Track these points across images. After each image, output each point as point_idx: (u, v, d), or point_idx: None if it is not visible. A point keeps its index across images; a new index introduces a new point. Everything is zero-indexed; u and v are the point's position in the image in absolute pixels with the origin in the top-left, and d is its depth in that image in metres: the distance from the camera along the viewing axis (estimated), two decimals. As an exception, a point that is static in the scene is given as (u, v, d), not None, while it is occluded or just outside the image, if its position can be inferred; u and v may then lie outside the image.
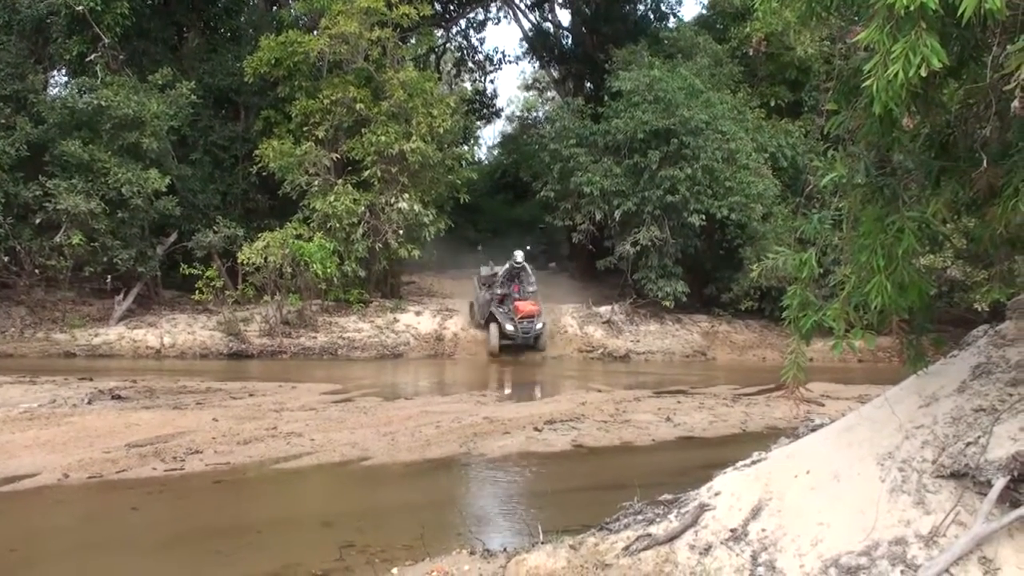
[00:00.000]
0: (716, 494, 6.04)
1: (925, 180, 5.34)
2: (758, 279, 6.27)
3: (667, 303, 23.97)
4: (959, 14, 4.06)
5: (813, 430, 6.93)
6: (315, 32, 24.44)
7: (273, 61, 23.88)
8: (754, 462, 6.44)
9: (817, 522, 5.26)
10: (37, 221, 21.83)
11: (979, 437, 5.18)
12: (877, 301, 5.13)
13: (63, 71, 26.11)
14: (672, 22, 34.46)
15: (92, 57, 23.47)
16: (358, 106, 23.53)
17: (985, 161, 4.66)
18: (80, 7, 22.56)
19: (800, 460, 5.99)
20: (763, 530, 5.46)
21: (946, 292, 21.60)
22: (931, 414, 5.59)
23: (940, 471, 5.16)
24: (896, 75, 4.19)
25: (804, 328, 5.67)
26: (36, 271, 22.31)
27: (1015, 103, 4.09)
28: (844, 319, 5.48)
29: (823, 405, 13.88)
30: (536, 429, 12.42)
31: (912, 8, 4.06)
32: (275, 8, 29.09)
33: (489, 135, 55.69)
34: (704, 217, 23.76)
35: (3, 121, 22.39)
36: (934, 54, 4.12)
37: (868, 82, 4.37)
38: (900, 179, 5.36)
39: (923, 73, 4.16)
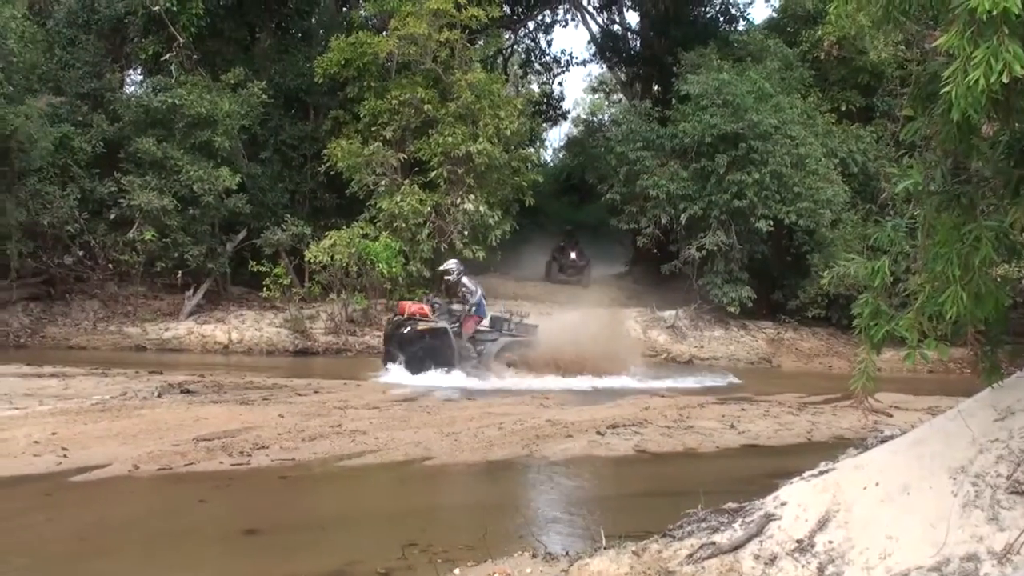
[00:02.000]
0: (782, 504, 5.96)
1: (1004, 188, 5.23)
2: (828, 287, 6.20)
3: (732, 309, 23.78)
4: (1043, 19, 3.98)
5: (882, 441, 6.81)
6: (384, 33, 24.63)
7: (343, 62, 24.14)
8: (821, 472, 6.35)
9: (886, 535, 5.17)
10: (111, 217, 22.35)
11: (1056, 453, 5.06)
12: (952, 312, 5.04)
13: (139, 70, 26.73)
14: (742, 25, 34.20)
15: (167, 57, 23.96)
16: (426, 107, 23.69)
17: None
18: (156, 7, 23.05)
19: (869, 471, 5.89)
20: (830, 542, 5.38)
21: (1021, 303, 21.11)
22: (1006, 428, 5.48)
23: (1015, 487, 5.06)
24: (976, 81, 4.11)
25: (876, 338, 5.58)
26: (110, 266, 22.85)
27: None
28: (917, 329, 5.38)
29: (891, 416, 13.60)
30: (599, 433, 12.37)
31: (994, 13, 3.98)
32: (345, 9, 29.41)
33: (555, 137, 55.59)
34: (771, 223, 23.52)
35: (81, 119, 23.00)
36: (1016, 60, 4.04)
37: (947, 88, 4.29)
38: (978, 187, 5.26)
39: (1005, 79, 4.08)
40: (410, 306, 18.68)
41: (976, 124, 4.69)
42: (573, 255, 30.40)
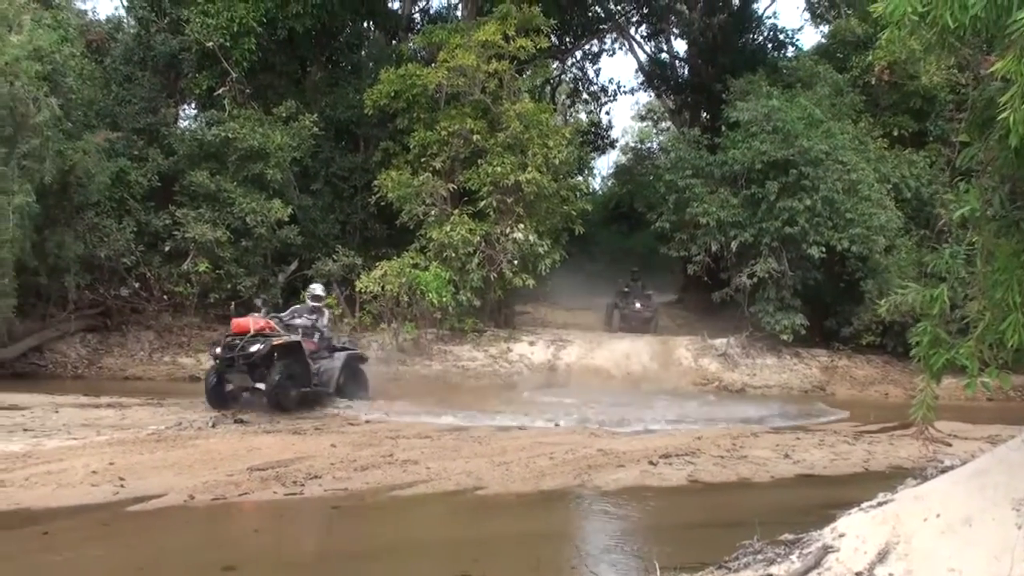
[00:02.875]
0: (840, 535, 5.87)
1: (1065, 214, 5.16)
2: (886, 315, 6.16)
3: (785, 336, 23.51)
4: (1103, 43, 3.92)
5: (942, 471, 6.70)
6: (433, 65, 24.79)
7: (392, 94, 24.36)
8: (880, 503, 6.25)
9: (948, 568, 5.07)
10: (166, 249, 22.73)
11: (1123, 484, 4.94)
12: (1014, 339, 4.96)
13: (193, 105, 27.19)
14: (791, 51, 34.03)
15: (220, 91, 24.39)
16: (475, 137, 23.83)
17: None
18: (210, 44, 23.51)
19: (929, 502, 5.79)
20: (890, 574, 5.29)
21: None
22: (1071, 458, 5.37)
23: (1081, 518, 4.95)
24: (1035, 106, 4.07)
25: (935, 367, 5.50)
26: (164, 297, 23.20)
27: None
28: (978, 357, 5.30)
29: (950, 445, 13.36)
30: (651, 463, 12.28)
31: (1053, 37, 3.94)
32: (395, 42, 29.75)
33: (603, 165, 55.71)
34: (824, 249, 23.25)
35: (136, 153, 23.46)
36: (1076, 84, 3.99)
37: (1004, 114, 4.24)
38: (1039, 213, 5.19)
39: (1065, 104, 4.02)
40: (252, 322, 15.61)
41: (1035, 149, 4.62)
42: (638, 304, 27.89)
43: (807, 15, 35.68)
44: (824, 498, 10.02)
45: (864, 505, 6.31)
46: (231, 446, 12.58)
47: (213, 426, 14.34)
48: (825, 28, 33.19)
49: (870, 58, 25.63)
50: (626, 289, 28.39)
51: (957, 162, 5.57)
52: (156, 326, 23.35)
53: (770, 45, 35.30)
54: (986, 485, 5.56)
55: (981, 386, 5.37)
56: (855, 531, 5.84)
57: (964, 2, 4.30)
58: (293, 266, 24.36)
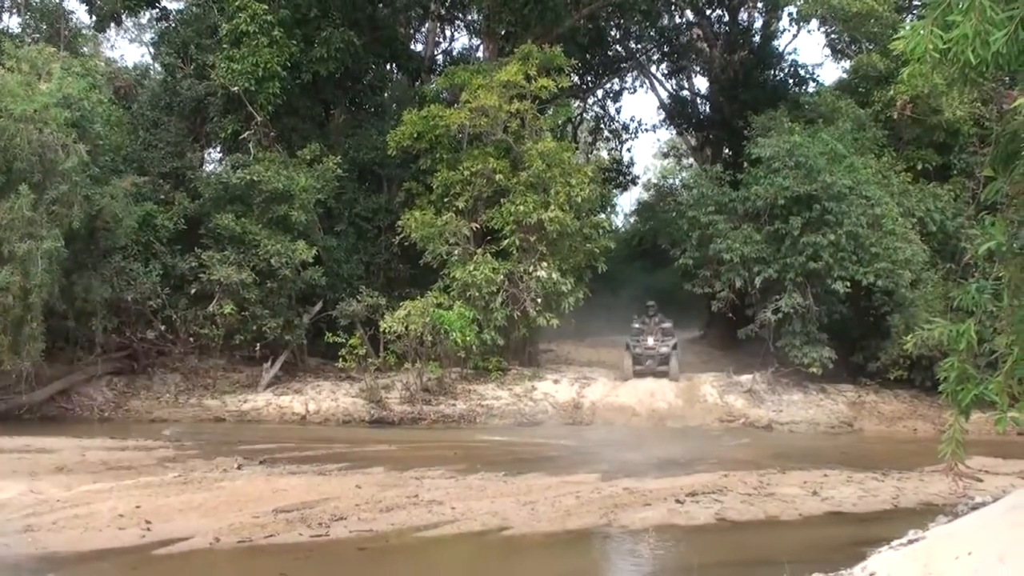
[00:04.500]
0: (871, 574, 5.81)
1: (1091, 247, 5.12)
2: (912, 350, 6.11)
3: (814, 369, 23.27)
4: None
5: (973, 508, 6.64)
6: (456, 106, 24.99)
7: (415, 135, 24.56)
8: (911, 541, 6.19)
9: (982, 607, 5.00)
10: (192, 291, 22.87)
11: None
12: (1042, 374, 4.91)
13: (218, 148, 27.54)
14: (812, 87, 33.97)
15: (245, 135, 24.66)
16: (497, 177, 23.93)
17: None
18: (235, 88, 23.79)
19: (961, 540, 5.73)
20: (923, 614, 5.22)
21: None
22: (1105, 494, 5.28)
23: (1117, 556, 4.87)
24: (1059, 140, 4.05)
25: (963, 402, 5.46)
26: (190, 339, 23.35)
27: None
28: (1008, 393, 5.26)
29: (981, 481, 13.21)
30: (678, 501, 12.20)
31: (1074, 72, 3.93)
32: (417, 84, 30.03)
33: (626, 203, 55.76)
34: (849, 284, 23.09)
35: (163, 197, 23.74)
36: (1099, 118, 3.97)
37: (1027, 148, 4.23)
38: (1064, 246, 5.16)
39: (1088, 137, 4.01)
40: None
41: (1059, 183, 4.61)
42: (651, 340, 25.24)
43: (828, 51, 35.54)
44: (854, 535, 9.92)
45: (895, 543, 6.26)
46: (257, 488, 12.61)
47: (239, 468, 14.39)
48: (846, 63, 33.15)
49: (892, 93, 25.58)
50: (639, 325, 25.94)
51: (982, 196, 5.57)
52: (182, 368, 23.49)
53: (791, 81, 35.28)
54: (1018, 522, 5.50)
55: (1011, 421, 5.31)
56: (886, 569, 5.78)
57: (986, 39, 4.30)
58: (318, 307, 24.44)
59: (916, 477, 14.61)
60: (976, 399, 5.39)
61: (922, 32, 4.64)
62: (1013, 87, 4.79)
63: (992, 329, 5.68)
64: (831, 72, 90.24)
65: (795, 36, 38.14)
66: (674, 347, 25.34)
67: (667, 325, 25.76)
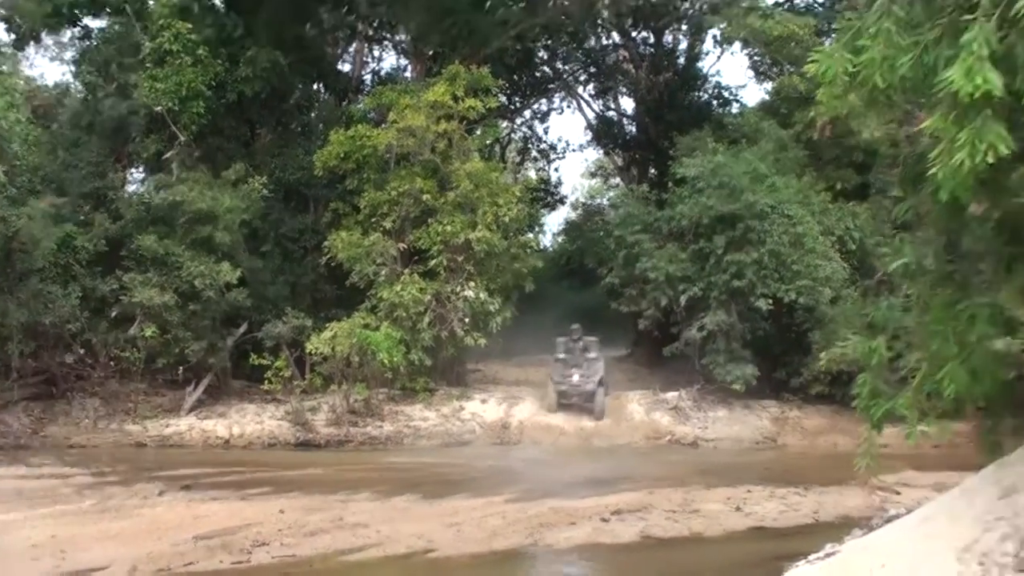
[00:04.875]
0: (789, 589, 5.88)
1: (996, 266, 5.26)
2: (827, 367, 6.17)
3: (737, 387, 23.57)
4: (1024, 100, 4.04)
5: (888, 521, 6.76)
6: (383, 126, 24.92)
7: (342, 155, 24.40)
8: (827, 555, 6.29)
9: (895, 619, 5.09)
10: (113, 314, 22.36)
11: (1062, 530, 5.00)
12: (950, 389, 5.03)
13: (141, 169, 26.95)
14: (735, 108, 34.56)
15: (168, 155, 24.21)
16: (425, 197, 23.89)
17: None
18: (159, 108, 23.39)
19: (875, 553, 5.84)
20: (839, 628, 5.29)
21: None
22: (1011, 505, 5.42)
23: (1022, 565, 4.99)
24: (962, 163, 4.16)
25: (876, 417, 5.57)
26: (111, 363, 22.80)
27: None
28: (917, 407, 5.37)
29: (899, 494, 13.48)
30: (603, 520, 12.25)
31: (976, 96, 4.04)
32: (345, 103, 29.81)
33: (554, 222, 55.96)
34: (771, 301, 23.47)
35: (83, 218, 23.18)
36: (1000, 141, 4.09)
37: (933, 170, 4.34)
38: (971, 265, 5.29)
39: (990, 160, 4.12)
40: None
41: (965, 203, 4.72)
42: (576, 377, 23.80)
43: (751, 72, 36.22)
44: (775, 550, 10.03)
45: (811, 557, 6.34)
46: (177, 514, 12.38)
47: (159, 494, 14.10)
48: (769, 85, 33.79)
49: (812, 114, 26.02)
50: (563, 355, 24.60)
51: (893, 216, 5.70)
52: (102, 392, 22.88)
53: (715, 102, 35.91)
54: (930, 534, 5.62)
55: (922, 435, 5.43)
56: (803, 584, 5.85)
57: (892, 63, 4.41)
58: (242, 329, 24.05)
59: (836, 491, 14.83)
60: (887, 414, 5.49)
61: (834, 56, 4.74)
62: (922, 109, 4.89)
63: (907, 344, 5.79)
64: (754, 93, 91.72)
65: (719, 58, 39.05)
66: (600, 382, 23.97)
67: (593, 355, 24.50)
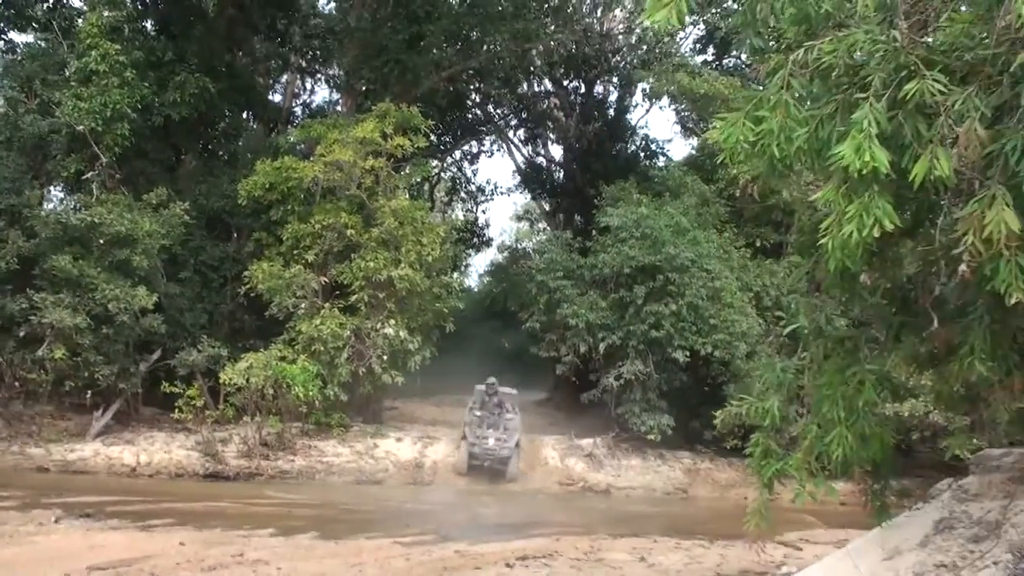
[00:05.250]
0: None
1: (886, 333, 5.45)
2: (722, 427, 6.30)
3: (652, 436, 23.77)
4: (911, 179, 4.22)
5: (780, 579, 6.88)
6: (310, 159, 24.84)
7: (267, 185, 24.26)
8: (718, 610, 6.37)
9: (775, 676, 5.18)
10: (21, 334, 21.76)
11: (939, 594, 5.15)
12: (838, 452, 5.18)
13: (60, 187, 26.42)
14: (661, 161, 35.26)
15: (89, 175, 23.78)
16: (349, 232, 23.82)
17: (936, 320, 4.76)
18: (81, 127, 23.02)
19: (763, 610, 5.94)
20: None
21: (929, 437, 21.48)
22: (894, 568, 5.58)
23: (901, 627, 5.12)
24: (850, 234, 4.32)
25: (766, 476, 5.70)
26: (16, 384, 22.16)
27: (963, 267, 4.22)
28: (806, 468, 5.52)
29: (801, 550, 13.76)
30: (508, 565, 12.25)
31: (865, 172, 4.21)
32: (273, 134, 29.71)
33: (481, 262, 56.23)
34: (688, 353, 23.81)
35: (-4, 234, 22.60)
36: (886, 216, 4.27)
37: (824, 239, 4.50)
38: (862, 332, 5.47)
39: (876, 233, 4.29)
40: None
41: (856, 272, 4.90)
42: (492, 440, 22.80)
43: (678, 127, 37.07)
44: (674, 603, 10.13)
45: (702, 612, 6.41)
46: (73, 543, 12.10)
47: (56, 521, 13.76)
48: (694, 140, 34.50)
49: (735, 172, 26.62)
50: (479, 413, 23.62)
51: (787, 284, 5.88)
52: (5, 414, 22.20)
53: (642, 154, 36.57)
54: (814, 594, 5.74)
55: (810, 496, 5.56)
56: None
57: (789, 135, 4.58)
58: (156, 355, 23.60)
59: (741, 545, 15.00)
60: (778, 473, 5.63)
61: (735, 124, 4.90)
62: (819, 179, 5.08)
63: (799, 406, 5.94)
64: (680, 148, 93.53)
65: (647, 111, 39.60)
66: (516, 444, 23.11)
67: (510, 415, 23.58)
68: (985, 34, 4.24)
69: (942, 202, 4.63)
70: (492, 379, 24.29)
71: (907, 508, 6.22)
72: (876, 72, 4.32)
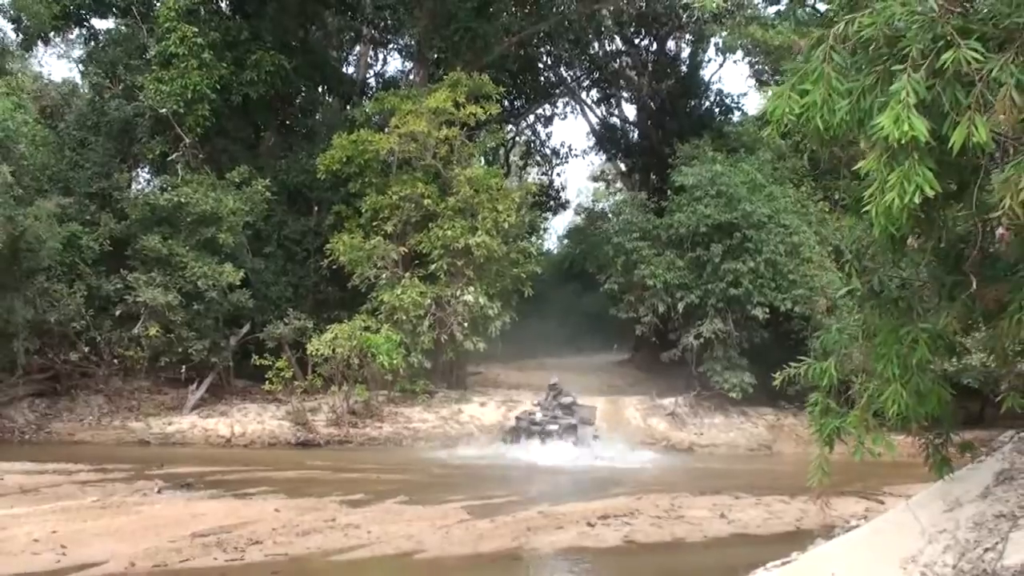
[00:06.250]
0: (743, 595, 6.18)
1: (938, 293, 5.57)
2: (779, 386, 6.39)
3: (734, 394, 23.84)
4: (950, 145, 4.34)
5: (848, 532, 7.05)
6: (386, 131, 25.23)
7: (345, 158, 24.75)
8: (785, 563, 6.58)
9: (838, 625, 5.38)
10: (117, 313, 22.73)
11: (997, 543, 5.29)
12: (893, 409, 5.33)
13: (146, 169, 27.31)
14: (736, 116, 34.83)
15: (173, 156, 24.59)
16: (426, 202, 24.22)
17: (975, 282, 4.87)
18: (164, 110, 23.76)
19: (828, 562, 6.14)
20: (786, 632, 5.59)
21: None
22: (954, 519, 5.72)
23: (960, 575, 5.28)
24: (892, 202, 4.46)
25: (826, 434, 5.88)
26: (115, 361, 23.19)
27: (1000, 230, 4.35)
28: (863, 426, 5.68)
29: (883, 503, 13.75)
30: (589, 524, 12.53)
31: (904, 141, 4.34)
32: (348, 108, 30.18)
33: (560, 225, 56.27)
34: (768, 310, 23.76)
35: (89, 217, 23.54)
36: (927, 182, 4.39)
37: (867, 207, 4.65)
38: (914, 292, 5.60)
39: (917, 200, 4.42)
40: None
41: (903, 236, 5.03)
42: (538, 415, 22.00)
43: (752, 81, 36.49)
44: (753, 557, 10.24)
45: (769, 565, 6.64)
46: (175, 512, 12.70)
47: (159, 492, 14.44)
48: (769, 93, 34.01)
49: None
50: (536, 417, 22.10)
51: (842, 246, 6.00)
52: (106, 390, 23.30)
53: (717, 110, 36.15)
54: (877, 545, 5.92)
55: (869, 452, 5.72)
56: (757, 591, 6.15)
57: (832, 107, 4.73)
58: (245, 329, 24.41)
59: (823, 500, 15.08)
60: (836, 431, 5.80)
61: (781, 96, 5.06)
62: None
63: (855, 367, 6.08)
64: (755, 101, 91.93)
65: (721, 66, 39.15)
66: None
67: (572, 421, 21.86)
68: (1022, 2, 4.32)
69: (987, 165, 4.72)
70: (555, 379, 23.39)
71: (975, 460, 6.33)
72: (914, 43, 4.42)
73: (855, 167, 4.85)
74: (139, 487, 14.82)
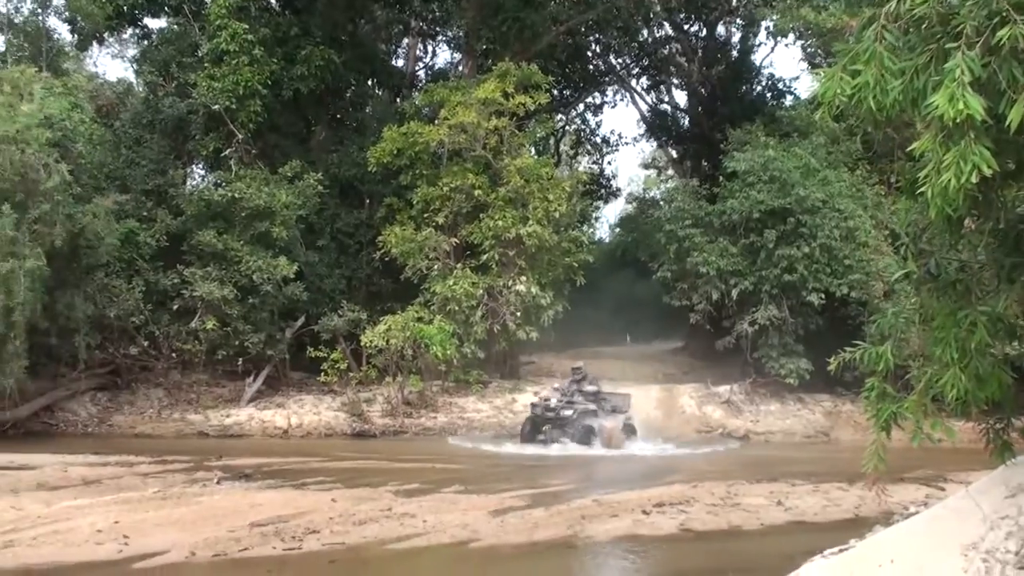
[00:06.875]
0: (801, 583, 6.13)
1: (997, 275, 5.45)
2: (835, 372, 6.32)
3: (791, 380, 23.56)
4: (1007, 124, 4.25)
5: (906, 519, 6.95)
6: (435, 122, 25.33)
7: (395, 151, 24.89)
8: (842, 550, 6.52)
9: (897, 613, 5.31)
10: (174, 307, 23.11)
11: (1061, 529, 5.18)
12: (952, 393, 5.24)
13: (200, 165, 27.76)
14: (789, 100, 34.43)
15: (227, 152, 24.95)
16: (476, 192, 24.28)
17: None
18: (217, 106, 24.07)
19: (886, 549, 6.05)
20: (844, 620, 5.53)
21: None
22: (1016, 505, 5.61)
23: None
24: (948, 182, 4.38)
25: (882, 419, 5.79)
26: (173, 355, 23.60)
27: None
28: (921, 411, 5.58)
29: (943, 489, 13.55)
30: (644, 512, 12.48)
31: (959, 120, 4.26)
32: (398, 100, 30.35)
33: (612, 213, 56.08)
34: (823, 295, 23.46)
35: (145, 214, 23.95)
36: (984, 161, 4.30)
37: (923, 188, 4.57)
38: (973, 274, 5.49)
39: (974, 180, 4.33)
40: None
41: (960, 216, 4.94)
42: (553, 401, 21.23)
43: (804, 64, 36.02)
44: (810, 544, 10.14)
45: (827, 552, 6.57)
46: (234, 502, 12.87)
47: (218, 483, 14.65)
48: (820, 75, 33.52)
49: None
50: (551, 404, 21.03)
51: (897, 229, 5.90)
52: (165, 383, 23.71)
53: (769, 94, 35.78)
54: (937, 532, 5.83)
55: (929, 438, 5.63)
56: (814, 578, 6.09)
57: (885, 87, 4.65)
58: (300, 322, 24.68)
59: (880, 487, 14.88)
60: (893, 416, 5.71)
61: (833, 78, 4.98)
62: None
63: (912, 351, 5.99)
64: (808, 85, 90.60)
65: (772, 50, 38.78)
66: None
67: (600, 410, 21.18)
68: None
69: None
70: (580, 363, 22.94)
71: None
72: (968, 19, 4.33)
73: (910, 148, 4.75)
74: (199, 478, 15.05)
